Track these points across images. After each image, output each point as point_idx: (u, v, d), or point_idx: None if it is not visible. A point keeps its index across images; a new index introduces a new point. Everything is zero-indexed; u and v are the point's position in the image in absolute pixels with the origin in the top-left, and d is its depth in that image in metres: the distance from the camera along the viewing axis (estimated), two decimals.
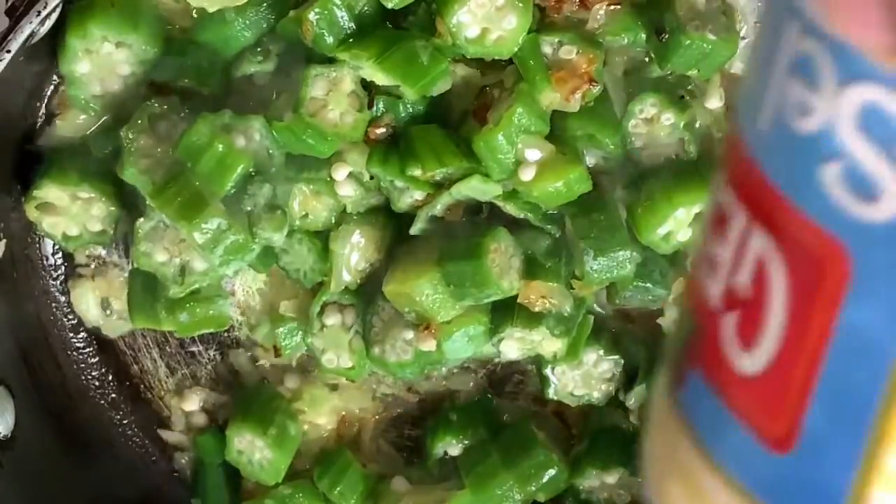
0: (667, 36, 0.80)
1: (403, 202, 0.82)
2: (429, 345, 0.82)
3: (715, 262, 0.31)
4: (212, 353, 0.92)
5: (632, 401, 0.87)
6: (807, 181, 0.28)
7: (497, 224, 0.82)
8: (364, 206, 0.84)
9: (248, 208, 0.80)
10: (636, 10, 0.81)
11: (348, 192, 0.82)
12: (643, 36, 0.81)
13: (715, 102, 0.82)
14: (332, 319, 0.86)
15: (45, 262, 0.90)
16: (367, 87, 0.80)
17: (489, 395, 0.91)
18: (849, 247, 0.27)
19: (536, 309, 0.82)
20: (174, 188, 0.78)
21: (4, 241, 0.85)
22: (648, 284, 0.83)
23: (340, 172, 0.82)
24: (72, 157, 0.84)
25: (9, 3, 0.77)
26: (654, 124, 0.81)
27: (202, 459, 0.92)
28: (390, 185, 0.81)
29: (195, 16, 0.82)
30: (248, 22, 0.81)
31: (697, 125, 0.82)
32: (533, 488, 0.85)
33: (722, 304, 0.31)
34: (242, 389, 0.92)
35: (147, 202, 0.79)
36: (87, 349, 0.92)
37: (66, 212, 0.84)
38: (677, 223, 0.81)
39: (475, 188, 0.80)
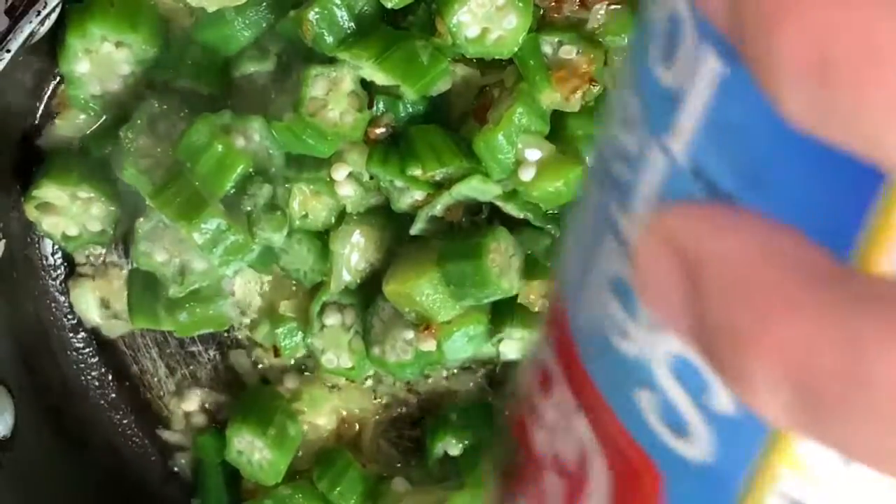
0: None
1: (403, 202, 0.82)
2: (429, 345, 0.82)
3: (539, 412, 0.30)
4: (212, 353, 0.92)
5: None
6: (624, 395, 0.27)
7: (497, 224, 0.82)
8: (364, 206, 0.84)
9: (248, 208, 0.80)
10: (636, 9, 0.81)
11: (348, 192, 0.82)
12: None
13: None
14: (332, 319, 0.86)
15: (44, 262, 0.90)
16: (367, 87, 0.80)
17: (489, 395, 0.91)
18: (662, 469, 0.27)
19: (536, 309, 0.82)
20: (174, 188, 0.78)
21: (4, 241, 0.85)
22: None
23: (340, 172, 0.82)
24: (72, 157, 0.84)
25: (8, 3, 0.77)
26: None
27: (202, 459, 0.92)
28: (390, 185, 0.81)
29: (195, 16, 0.82)
30: (247, 22, 0.81)
31: None
32: None
33: (548, 459, 0.30)
34: (242, 389, 0.92)
35: (147, 202, 0.79)
36: (87, 349, 0.92)
37: (66, 212, 0.84)
38: None
39: (475, 188, 0.80)
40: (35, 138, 0.85)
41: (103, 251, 0.90)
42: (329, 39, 0.78)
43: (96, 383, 0.93)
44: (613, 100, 0.28)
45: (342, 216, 0.84)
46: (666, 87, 0.25)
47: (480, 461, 0.86)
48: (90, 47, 0.80)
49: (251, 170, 0.79)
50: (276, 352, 0.89)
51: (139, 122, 0.79)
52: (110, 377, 0.93)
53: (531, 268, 0.81)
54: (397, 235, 0.84)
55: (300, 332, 0.88)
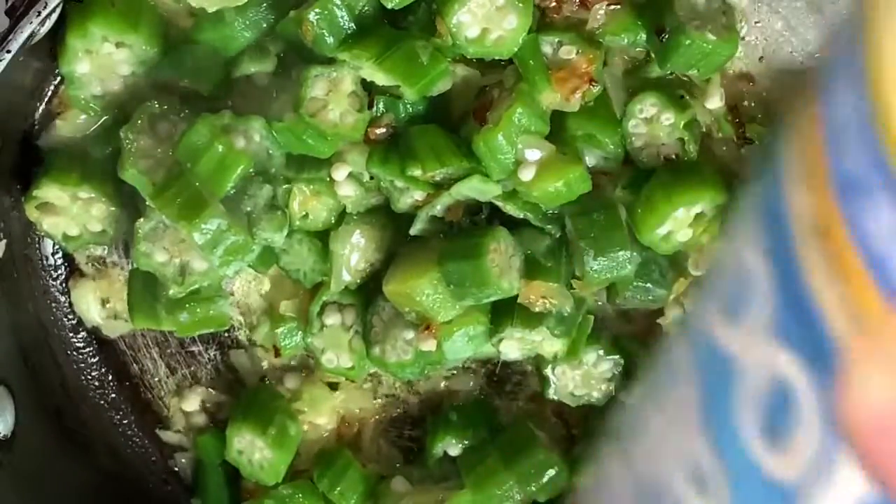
0: (667, 36, 0.80)
1: (403, 202, 0.82)
2: (429, 345, 0.82)
3: None
4: (212, 353, 0.92)
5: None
6: None
7: (497, 224, 0.82)
8: (364, 206, 0.84)
9: (248, 209, 0.80)
10: (636, 10, 0.81)
11: (348, 192, 0.82)
12: (643, 36, 0.81)
13: (715, 102, 0.82)
14: (332, 319, 0.86)
15: (45, 262, 0.90)
16: (367, 87, 0.80)
17: (489, 395, 0.91)
18: None
19: (536, 309, 0.82)
20: (174, 189, 0.77)
21: (4, 241, 0.85)
22: (648, 284, 0.83)
23: (340, 172, 0.82)
24: (72, 157, 0.84)
25: (9, 3, 0.77)
26: (654, 124, 0.81)
27: (202, 459, 0.92)
28: (390, 185, 0.81)
29: (195, 16, 0.82)
30: (248, 22, 0.81)
31: (697, 125, 0.82)
32: (533, 488, 0.85)
33: None
34: (242, 389, 0.92)
35: (147, 202, 0.79)
36: (87, 349, 0.92)
37: (66, 212, 0.84)
38: (677, 223, 0.81)
39: (475, 188, 0.80)
40: (35, 138, 0.85)
41: (104, 251, 0.90)
42: (329, 39, 0.78)
43: (96, 383, 0.93)
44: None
45: (342, 216, 0.84)
46: (771, 474, 0.23)
47: (481, 461, 0.86)
48: (91, 47, 0.80)
49: (251, 170, 0.79)
50: (276, 352, 0.89)
51: (139, 122, 0.79)
52: (110, 377, 0.93)
53: (531, 268, 0.81)
54: (397, 235, 0.84)
55: (300, 332, 0.88)
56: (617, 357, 0.87)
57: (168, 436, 0.93)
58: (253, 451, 0.88)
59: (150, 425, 0.93)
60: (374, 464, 0.91)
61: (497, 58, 0.80)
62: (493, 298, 0.81)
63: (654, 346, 0.86)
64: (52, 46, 0.81)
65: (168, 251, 0.82)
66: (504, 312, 0.83)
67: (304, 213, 0.83)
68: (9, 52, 0.76)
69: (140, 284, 0.85)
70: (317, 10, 0.77)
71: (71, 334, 0.91)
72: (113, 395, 0.93)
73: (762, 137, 0.82)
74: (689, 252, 0.83)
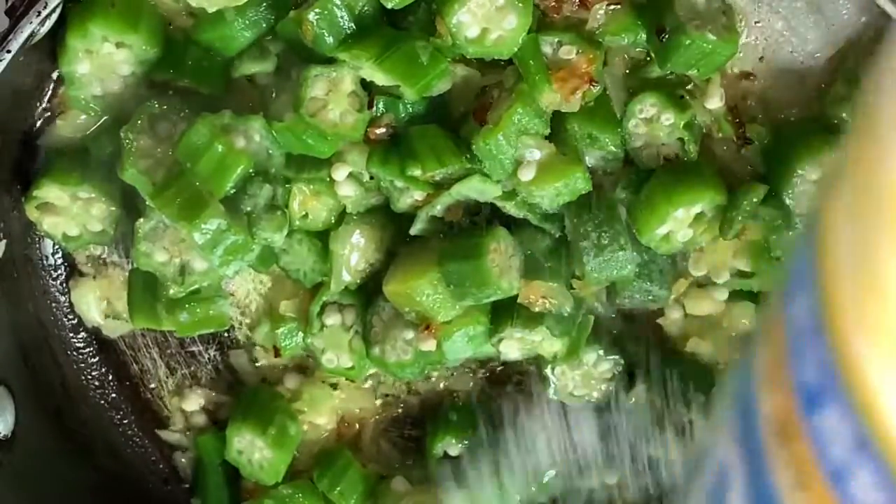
0: (667, 36, 0.80)
1: (403, 202, 0.82)
2: (429, 345, 0.82)
3: None
4: (212, 353, 0.92)
5: (632, 401, 0.87)
6: None
7: (497, 224, 0.82)
8: (364, 206, 0.84)
9: (248, 209, 0.80)
10: (636, 10, 0.81)
11: (348, 192, 0.82)
12: (643, 36, 0.81)
13: (715, 102, 0.82)
14: (332, 319, 0.86)
15: (45, 262, 0.90)
16: (367, 87, 0.80)
17: (489, 395, 0.91)
18: None
19: (536, 309, 0.82)
20: (174, 189, 0.78)
21: (4, 241, 0.85)
22: (648, 284, 0.83)
23: (340, 172, 0.82)
24: (72, 157, 0.84)
25: (9, 3, 0.77)
26: (654, 124, 0.81)
27: (202, 459, 0.92)
28: (390, 185, 0.81)
29: (195, 16, 0.82)
30: (248, 22, 0.81)
31: (697, 125, 0.82)
32: (533, 489, 0.85)
33: None
34: (242, 389, 0.92)
35: (147, 202, 0.79)
36: (87, 349, 0.92)
37: (66, 212, 0.84)
38: (677, 223, 0.81)
39: (475, 188, 0.80)
40: (35, 138, 0.85)
41: (104, 251, 0.90)
42: (329, 39, 0.78)
43: (96, 383, 0.93)
44: None
45: (342, 216, 0.84)
46: None
47: (480, 461, 0.86)
48: (91, 48, 0.80)
49: (251, 170, 0.79)
50: (276, 352, 0.89)
51: (139, 122, 0.79)
52: (110, 377, 0.93)
53: (531, 268, 0.81)
54: (397, 235, 0.84)
55: (300, 332, 0.88)
56: (617, 357, 0.87)
57: (168, 436, 0.93)
58: (253, 451, 0.88)
59: (150, 425, 0.93)
60: (374, 464, 0.91)
61: (497, 58, 0.80)
62: (493, 298, 0.81)
63: (654, 346, 0.86)
64: (52, 46, 0.81)
65: (168, 251, 0.82)
66: (504, 312, 0.83)
67: (304, 213, 0.83)
68: (9, 52, 0.76)
69: (140, 284, 0.85)
70: (317, 10, 0.77)
71: (71, 334, 0.91)
72: (113, 395, 0.93)
73: (762, 137, 0.82)
74: (689, 252, 0.83)
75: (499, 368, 0.91)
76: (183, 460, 0.93)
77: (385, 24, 0.80)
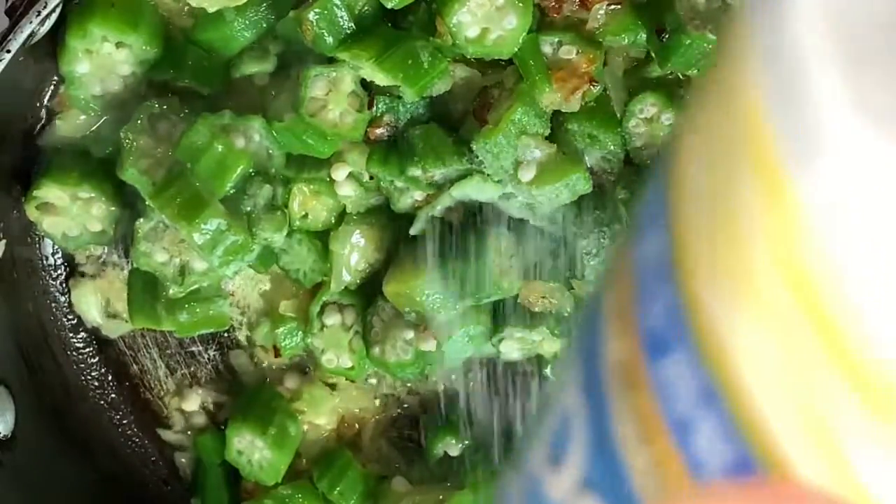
0: (667, 35, 0.80)
1: (403, 202, 0.82)
2: (429, 345, 0.83)
3: None
4: (212, 353, 0.92)
5: None
6: None
7: (497, 224, 0.82)
8: (364, 206, 0.84)
9: (248, 209, 0.80)
10: (636, 9, 0.81)
11: (348, 192, 0.82)
12: (643, 36, 0.81)
13: None
14: (332, 319, 0.86)
15: (45, 262, 0.90)
16: (367, 87, 0.80)
17: (489, 395, 0.91)
18: None
19: (536, 309, 0.82)
20: (174, 189, 0.77)
21: (4, 241, 0.85)
22: None
23: (340, 172, 0.82)
24: (72, 157, 0.84)
25: (9, 3, 0.77)
26: (654, 124, 0.81)
27: (202, 459, 0.92)
28: (390, 185, 0.81)
29: (195, 16, 0.82)
30: (248, 22, 0.81)
31: None
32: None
33: None
34: (242, 389, 0.92)
35: (147, 202, 0.79)
36: (87, 349, 0.92)
37: (66, 212, 0.84)
38: None
39: (475, 188, 0.80)
40: (35, 138, 0.85)
41: (103, 251, 0.90)
42: (329, 39, 0.78)
43: (96, 383, 0.93)
44: None
45: (342, 216, 0.84)
46: None
47: (480, 461, 0.86)
48: (90, 48, 0.80)
49: (251, 170, 0.79)
50: (276, 352, 0.89)
51: (139, 122, 0.79)
52: (110, 377, 0.93)
53: (531, 268, 0.81)
54: (397, 235, 0.84)
55: (300, 332, 0.88)
56: None
57: (168, 435, 0.93)
58: (253, 451, 0.88)
59: (149, 425, 0.93)
60: (374, 464, 0.91)
61: (497, 58, 0.80)
62: (493, 298, 0.81)
63: None
64: (52, 46, 0.81)
65: (168, 251, 0.82)
66: (504, 312, 0.83)
67: (304, 213, 0.83)
68: (9, 52, 0.76)
69: (140, 284, 0.85)
70: (317, 10, 0.77)
71: (71, 334, 0.91)
72: (113, 395, 0.93)
73: None
74: None
75: (499, 368, 0.91)
76: (183, 460, 0.93)
77: (385, 24, 0.80)
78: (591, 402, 0.24)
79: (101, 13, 0.80)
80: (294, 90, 0.79)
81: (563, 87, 0.79)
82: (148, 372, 0.93)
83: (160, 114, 0.80)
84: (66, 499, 0.89)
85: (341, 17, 0.78)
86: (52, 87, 0.84)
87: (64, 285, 0.90)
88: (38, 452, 0.87)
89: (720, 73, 0.23)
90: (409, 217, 0.83)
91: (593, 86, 0.79)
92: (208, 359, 0.92)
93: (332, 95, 0.79)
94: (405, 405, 0.92)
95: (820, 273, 0.20)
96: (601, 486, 0.23)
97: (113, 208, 0.84)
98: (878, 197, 0.20)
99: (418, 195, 0.81)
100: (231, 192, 0.78)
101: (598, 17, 0.81)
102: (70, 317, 0.91)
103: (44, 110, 0.85)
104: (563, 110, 0.79)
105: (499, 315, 0.83)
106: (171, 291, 0.82)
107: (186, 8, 0.82)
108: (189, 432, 0.93)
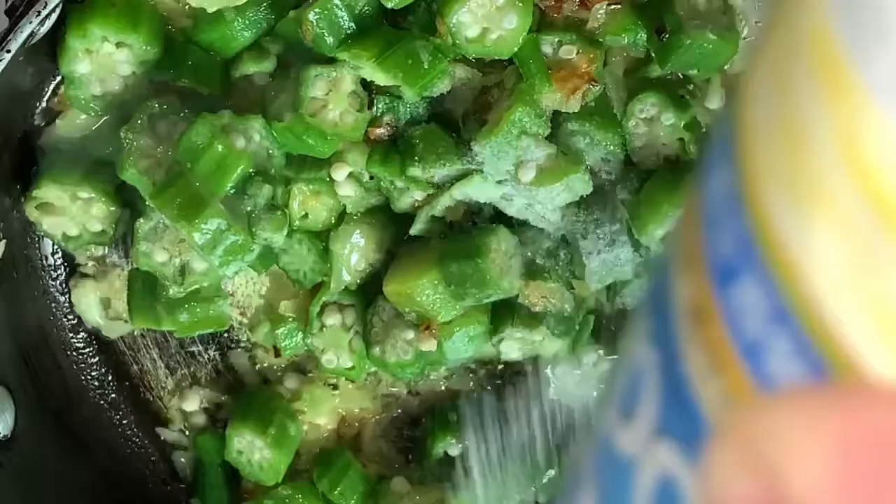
0: (667, 35, 0.80)
1: (403, 202, 0.82)
2: (429, 345, 0.83)
3: None
4: (212, 353, 0.92)
5: None
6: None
7: (497, 224, 0.82)
8: (364, 206, 0.84)
9: (248, 209, 0.80)
10: (636, 9, 0.81)
11: (348, 192, 0.82)
12: (643, 36, 0.81)
13: (715, 102, 0.82)
14: (332, 319, 0.86)
15: (45, 262, 0.90)
16: (367, 87, 0.80)
17: (489, 395, 0.91)
18: None
19: (536, 309, 0.82)
20: (174, 189, 0.77)
21: (4, 241, 0.85)
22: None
23: (340, 172, 0.82)
24: (72, 157, 0.84)
25: (9, 3, 0.77)
26: (654, 124, 0.81)
27: (202, 459, 0.92)
28: (390, 185, 0.81)
29: (195, 16, 0.82)
30: (247, 22, 0.81)
31: (698, 125, 0.82)
32: (533, 489, 0.85)
33: None
34: (242, 389, 0.92)
35: (147, 202, 0.79)
36: (87, 349, 0.92)
37: (66, 212, 0.84)
38: None
39: (475, 188, 0.80)
40: (35, 138, 0.85)
41: (104, 251, 0.90)
42: (329, 39, 0.78)
43: (96, 383, 0.93)
44: None
45: (342, 216, 0.84)
46: None
47: (481, 461, 0.86)
48: (91, 47, 0.80)
49: (251, 170, 0.79)
50: (276, 352, 0.89)
51: (139, 122, 0.79)
52: (110, 377, 0.93)
53: (531, 268, 0.81)
54: (397, 235, 0.84)
55: (300, 332, 0.88)
56: (617, 357, 0.87)
57: (168, 435, 0.93)
58: (253, 451, 0.88)
59: (149, 425, 0.93)
60: (374, 464, 0.91)
61: (497, 58, 0.80)
62: (493, 298, 0.81)
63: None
64: (52, 46, 0.81)
65: (168, 251, 0.82)
66: (504, 312, 0.83)
67: (304, 213, 0.83)
68: (9, 52, 0.76)
69: (140, 284, 0.85)
70: (317, 9, 0.77)
71: (71, 334, 0.91)
72: (113, 395, 0.93)
73: None
74: None
75: (499, 368, 0.91)
76: (183, 460, 0.93)
77: (385, 24, 0.80)
78: (662, 348, 0.24)
79: (101, 13, 0.80)
80: (294, 90, 0.79)
81: (563, 87, 0.79)
82: (148, 372, 0.93)
83: (160, 114, 0.80)
84: (66, 499, 0.89)
85: (341, 17, 0.78)
86: (52, 87, 0.84)
87: (64, 285, 0.90)
88: (38, 452, 0.87)
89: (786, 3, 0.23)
90: (409, 217, 0.83)
91: (593, 86, 0.79)
92: (208, 359, 0.92)
93: (332, 95, 0.79)
94: (405, 405, 0.92)
95: (889, 165, 0.21)
96: (675, 429, 0.24)
97: (113, 208, 0.84)
98: None
99: (418, 195, 0.81)
100: (231, 192, 0.78)
101: (598, 17, 0.81)
102: (70, 317, 0.91)
103: (44, 110, 0.85)
104: (563, 110, 0.79)
105: (499, 315, 0.83)
106: (171, 291, 0.82)
107: (186, 8, 0.82)
108: (189, 432, 0.93)
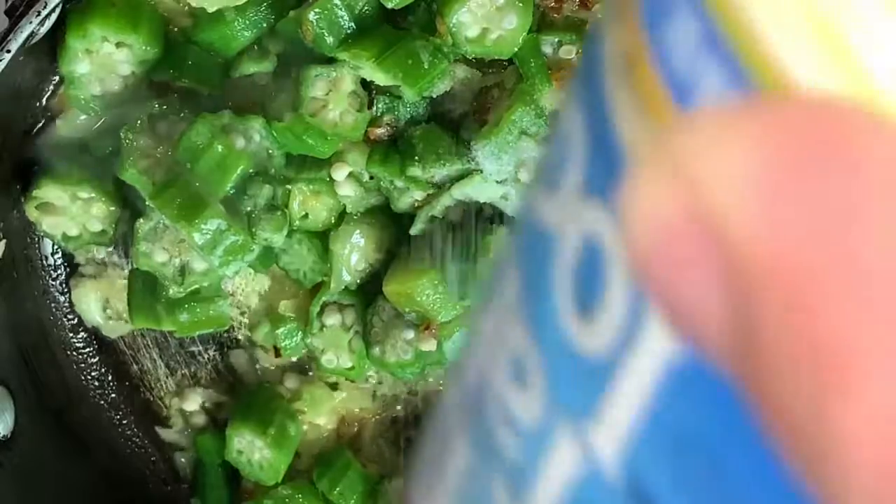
0: None
1: (403, 202, 0.82)
2: (429, 345, 0.83)
3: None
4: (212, 353, 0.92)
5: None
6: None
7: (497, 224, 0.82)
8: (364, 206, 0.84)
9: (248, 209, 0.80)
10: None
11: (348, 192, 0.82)
12: None
13: None
14: (332, 319, 0.86)
15: (45, 262, 0.90)
16: (367, 87, 0.80)
17: None
18: None
19: None
20: (174, 189, 0.78)
21: (4, 241, 0.85)
22: None
23: (340, 172, 0.82)
24: (72, 157, 0.84)
25: (8, 3, 0.77)
26: None
27: (202, 459, 0.92)
28: (390, 185, 0.81)
29: (195, 16, 0.82)
30: (247, 22, 0.81)
31: None
32: None
33: None
34: (242, 389, 0.92)
35: (147, 202, 0.79)
36: (87, 349, 0.92)
37: (66, 212, 0.84)
38: None
39: (475, 188, 0.80)
40: (35, 138, 0.85)
41: (104, 251, 0.90)
42: (329, 39, 0.78)
43: (96, 383, 0.93)
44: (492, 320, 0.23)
45: (342, 216, 0.84)
46: (583, 349, 0.20)
47: None
48: (90, 47, 0.80)
49: (251, 170, 0.79)
50: (276, 352, 0.89)
51: (139, 122, 0.79)
52: (110, 377, 0.93)
53: None
54: (397, 235, 0.84)
55: (300, 332, 0.88)
56: None
57: (168, 435, 0.93)
58: (253, 451, 0.88)
59: (149, 425, 0.93)
60: (374, 464, 0.91)
61: (497, 58, 0.80)
62: None
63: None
64: (52, 46, 0.81)
65: (168, 251, 0.82)
66: None
67: (304, 213, 0.83)
68: (9, 52, 0.76)
69: (140, 284, 0.85)
70: (317, 9, 0.77)
71: (71, 334, 0.91)
72: (113, 395, 0.93)
73: None
74: None
75: None
76: (183, 460, 0.93)
77: (385, 24, 0.80)
78: (589, 108, 0.22)
79: (101, 13, 0.80)
80: (294, 90, 0.79)
81: (564, 87, 0.79)
82: (148, 372, 0.93)
83: (160, 114, 0.80)
84: (66, 499, 0.89)
85: (341, 17, 0.78)
86: (52, 87, 0.84)
87: (64, 285, 0.90)
88: (38, 452, 0.87)
89: None
90: (409, 217, 0.83)
91: None
92: (208, 359, 0.92)
93: (332, 95, 0.79)
94: (405, 405, 0.92)
95: None
96: (597, 182, 0.21)
97: (113, 208, 0.84)
98: None
99: (418, 195, 0.81)
100: (231, 192, 0.78)
101: (599, 17, 0.81)
102: (70, 317, 0.91)
103: (44, 110, 0.85)
104: None
105: None
106: (171, 291, 0.82)
107: (186, 8, 0.82)
108: (189, 432, 0.93)
